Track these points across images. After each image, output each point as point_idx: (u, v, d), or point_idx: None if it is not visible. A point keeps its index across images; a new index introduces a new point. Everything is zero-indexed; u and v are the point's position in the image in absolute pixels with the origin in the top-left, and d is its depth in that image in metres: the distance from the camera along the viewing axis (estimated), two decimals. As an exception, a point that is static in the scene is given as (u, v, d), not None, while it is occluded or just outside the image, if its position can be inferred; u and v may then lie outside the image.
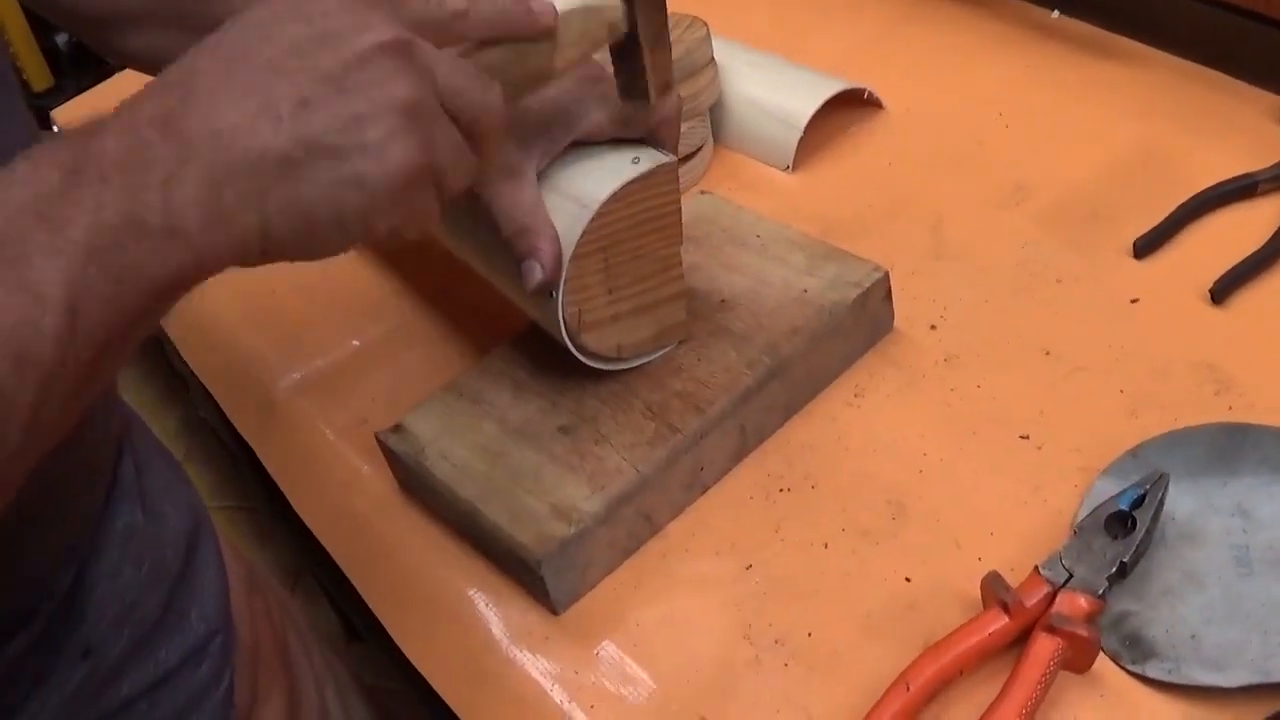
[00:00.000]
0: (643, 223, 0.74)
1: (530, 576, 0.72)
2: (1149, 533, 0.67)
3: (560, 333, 0.74)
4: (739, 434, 0.78)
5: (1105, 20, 1.05)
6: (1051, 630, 0.63)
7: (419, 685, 0.78)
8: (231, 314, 1.03)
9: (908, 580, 0.70)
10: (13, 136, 0.61)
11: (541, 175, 0.72)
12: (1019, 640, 0.64)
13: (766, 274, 0.83)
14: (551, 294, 0.72)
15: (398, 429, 0.80)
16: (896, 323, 0.84)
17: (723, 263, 0.85)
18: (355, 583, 0.84)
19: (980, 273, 0.87)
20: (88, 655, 0.63)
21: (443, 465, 0.77)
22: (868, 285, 0.81)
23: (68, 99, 1.43)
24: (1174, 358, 0.78)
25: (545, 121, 0.72)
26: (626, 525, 0.74)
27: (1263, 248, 0.82)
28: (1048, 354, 0.80)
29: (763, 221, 0.88)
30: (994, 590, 0.66)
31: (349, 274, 1.02)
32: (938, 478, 0.75)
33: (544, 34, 0.64)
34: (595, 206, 0.71)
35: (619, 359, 0.78)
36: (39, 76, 1.98)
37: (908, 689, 0.63)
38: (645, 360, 0.79)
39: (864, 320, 0.82)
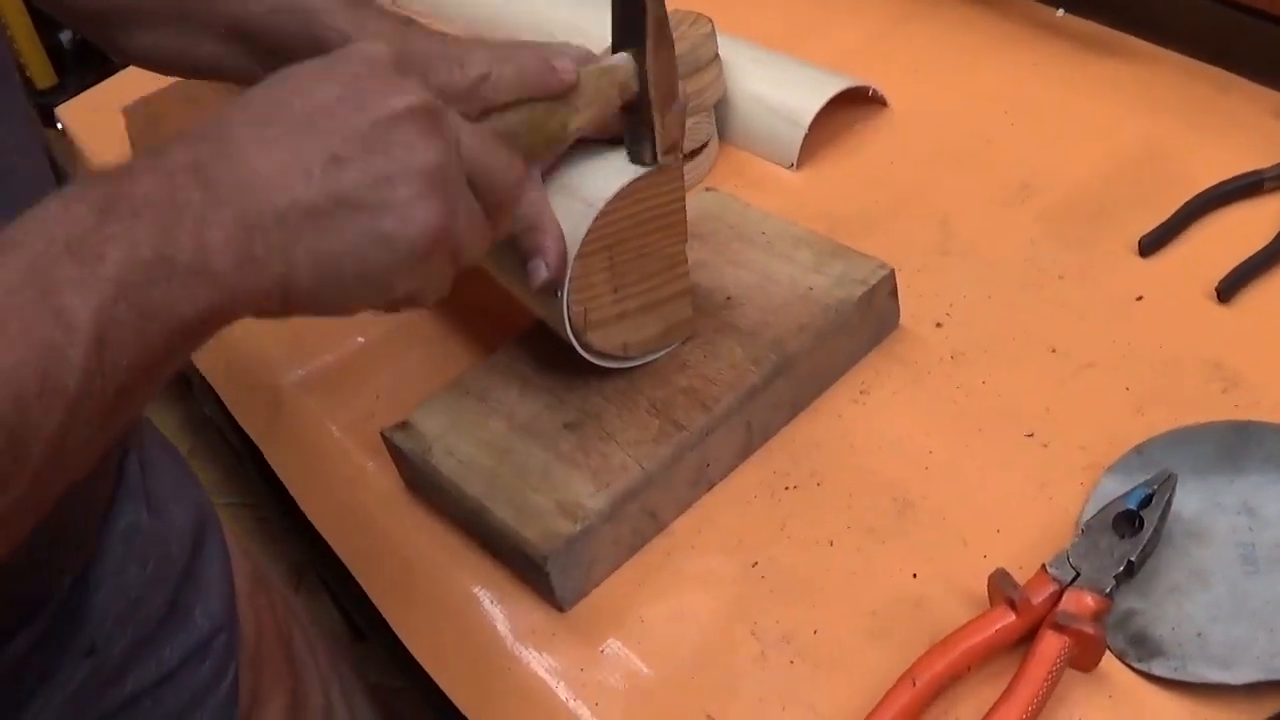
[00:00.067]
0: (647, 220, 0.74)
1: (536, 573, 0.72)
2: (1156, 532, 0.67)
3: (566, 331, 0.74)
4: (745, 431, 0.78)
5: (1110, 18, 1.05)
6: (1058, 628, 0.63)
7: (423, 683, 0.78)
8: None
9: (914, 577, 0.70)
10: (17, 134, 0.61)
11: (546, 174, 0.72)
12: (1025, 638, 0.64)
13: (772, 271, 0.83)
14: (557, 293, 0.72)
15: (403, 426, 0.80)
16: (902, 320, 0.84)
17: (728, 259, 0.85)
18: (360, 580, 0.85)
19: (986, 270, 0.87)
20: (91, 653, 0.63)
21: (448, 462, 0.77)
22: (873, 282, 0.81)
23: (71, 97, 1.43)
24: (1180, 355, 0.78)
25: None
26: (632, 522, 0.74)
27: (1269, 245, 0.82)
28: (1054, 351, 0.80)
29: (769, 218, 0.88)
30: (1001, 588, 0.66)
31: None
32: (944, 475, 0.75)
33: (566, 91, 0.66)
34: (600, 205, 0.71)
35: (625, 357, 0.78)
36: (42, 74, 1.98)
37: (914, 686, 0.63)
38: (652, 358, 0.79)
39: (870, 317, 0.82)
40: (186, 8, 0.73)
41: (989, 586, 0.67)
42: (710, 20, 0.98)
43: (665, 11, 0.71)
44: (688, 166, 0.99)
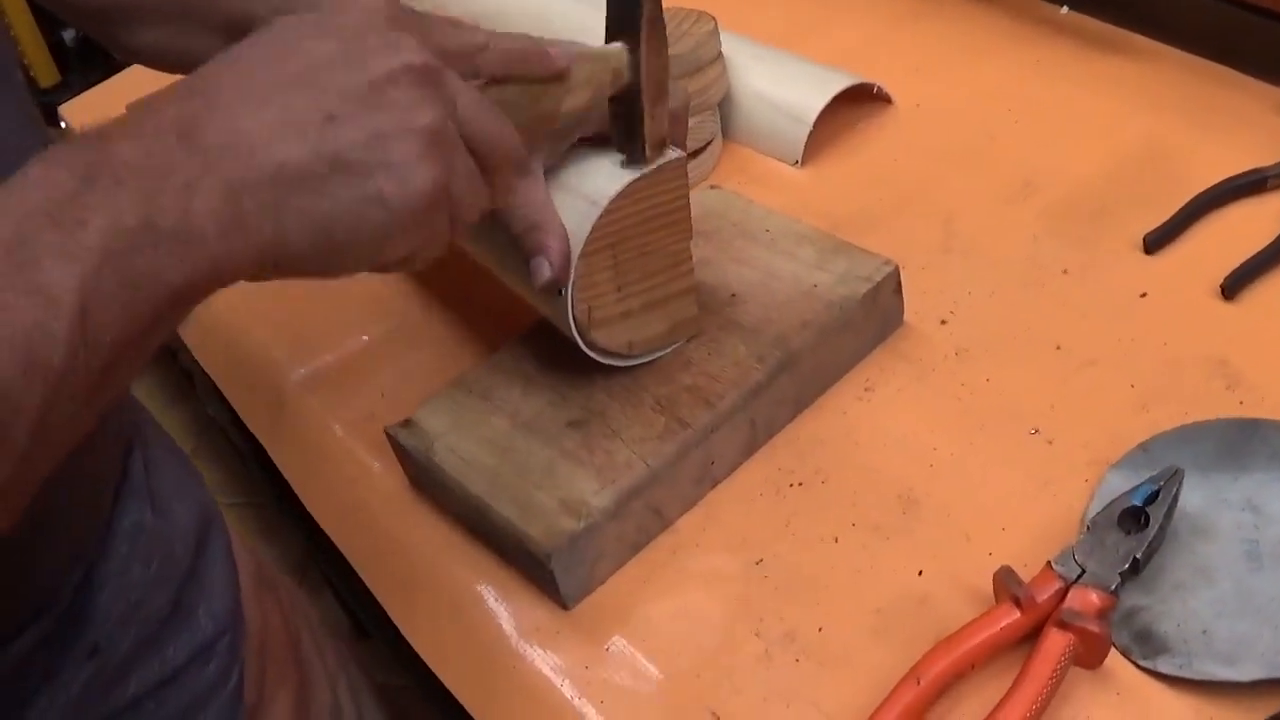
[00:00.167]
0: (652, 218, 0.74)
1: (540, 571, 0.72)
2: (1162, 529, 0.67)
3: (570, 330, 0.74)
4: (749, 428, 0.78)
5: (1114, 16, 1.05)
6: (1063, 626, 0.63)
7: (427, 681, 0.78)
8: (240, 311, 1.03)
9: (919, 574, 0.70)
10: (19, 134, 0.61)
11: (549, 172, 0.72)
12: (1030, 636, 0.64)
13: (776, 268, 0.83)
14: (561, 291, 0.72)
15: (407, 424, 0.80)
16: (906, 317, 0.84)
17: (732, 257, 0.85)
18: (364, 578, 0.84)
19: (990, 267, 0.87)
20: (95, 654, 0.63)
21: (452, 460, 0.77)
22: (878, 280, 0.81)
23: (75, 95, 1.43)
24: (1185, 353, 0.78)
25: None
26: (636, 520, 0.74)
27: (1273, 243, 0.82)
28: (1058, 348, 0.80)
29: (772, 215, 0.88)
30: (1006, 585, 0.66)
31: (357, 269, 1.02)
32: (948, 472, 0.75)
33: (557, 76, 0.65)
34: (604, 203, 0.71)
35: (630, 355, 0.78)
36: (46, 73, 1.98)
37: (918, 683, 0.63)
38: (657, 356, 0.79)
39: (874, 314, 0.82)
40: (188, 6, 0.72)
41: (994, 584, 0.67)
42: (713, 18, 0.98)
43: (660, 8, 0.70)
44: (692, 164, 0.99)
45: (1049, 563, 0.66)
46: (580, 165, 0.73)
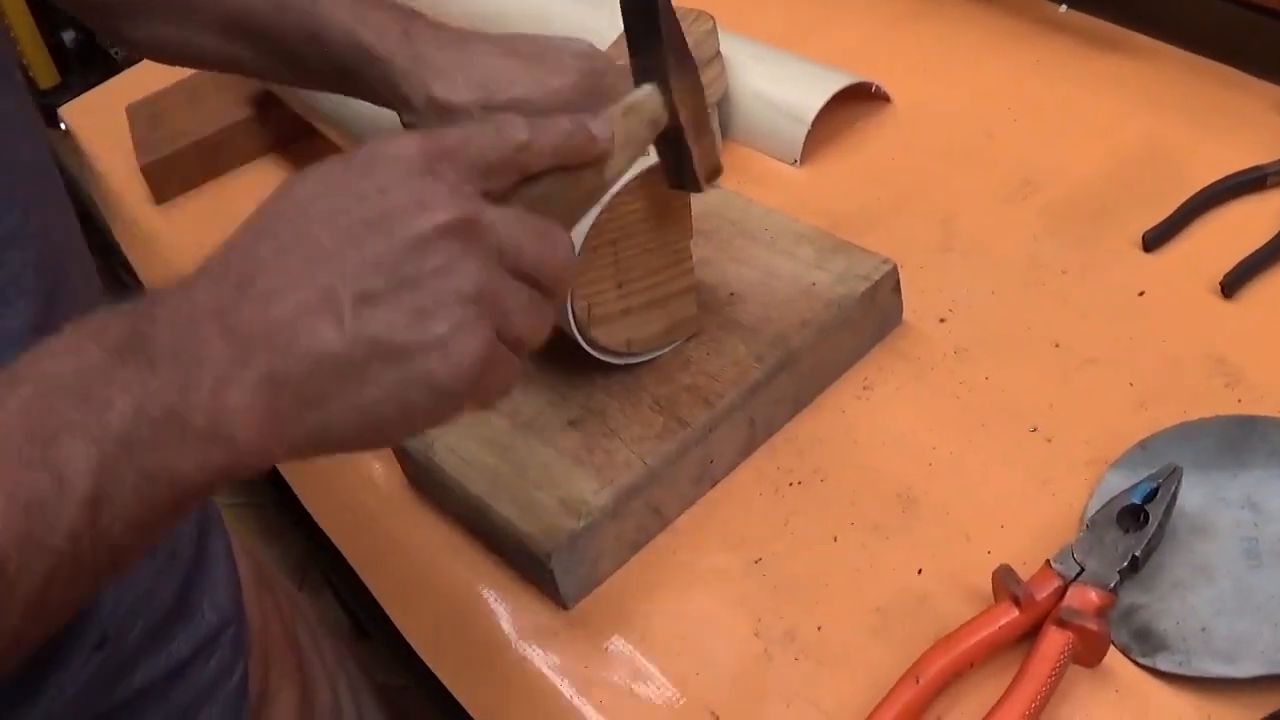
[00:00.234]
0: (653, 215, 0.74)
1: (539, 571, 0.72)
2: (1161, 527, 0.67)
3: (570, 327, 0.74)
4: (748, 427, 0.78)
5: (1113, 14, 1.05)
6: (1062, 624, 0.63)
7: (427, 681, 0.78)
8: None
9: (919, 573, 0.70)
10: (18, 135, 0.61)
11: None
12: (1029, 634, 0.64)
13: (775, 267, 0.83)
14: None
15: (406, 423, 0.80)
16: (905, 316, 0.84)
17: (731, 256, 0.85)
18: (364, 578, 0.85)
19: (989, 266, 0.87)
20: (103, 644, 0.64)
21: (451, 460, 0.77)
22: (876, 278, 0.81)
23: (74, 96, 1.43)
24: (1184, 351, 0.78)
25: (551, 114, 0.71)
26: (635, 519, 0.74)
27: (1272, 240, 0.82)
28: (1057, 347, 0.80)
29: (771, 215, 0.88)
30: (1005, 583, 0.66)
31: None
32: (947, 471, 0.75)
33: (603, 158, 0.61)
34: (606, 199, 0.71)
35: (629, 353, 0.78)
36: (45, 74, 1.98)
37: (917, 682, 0.63)
38: (656, 355, 0.79)
39: (873, 313, 0.82)
40: (190, 2, 0.73)
41: (993, 582, 0.67)
42: (711, 17, 0.98)
43: (684, 38, 0.68)
44: (690, 164, 0.99)
45: (1048, 561, 0.66)
46: None
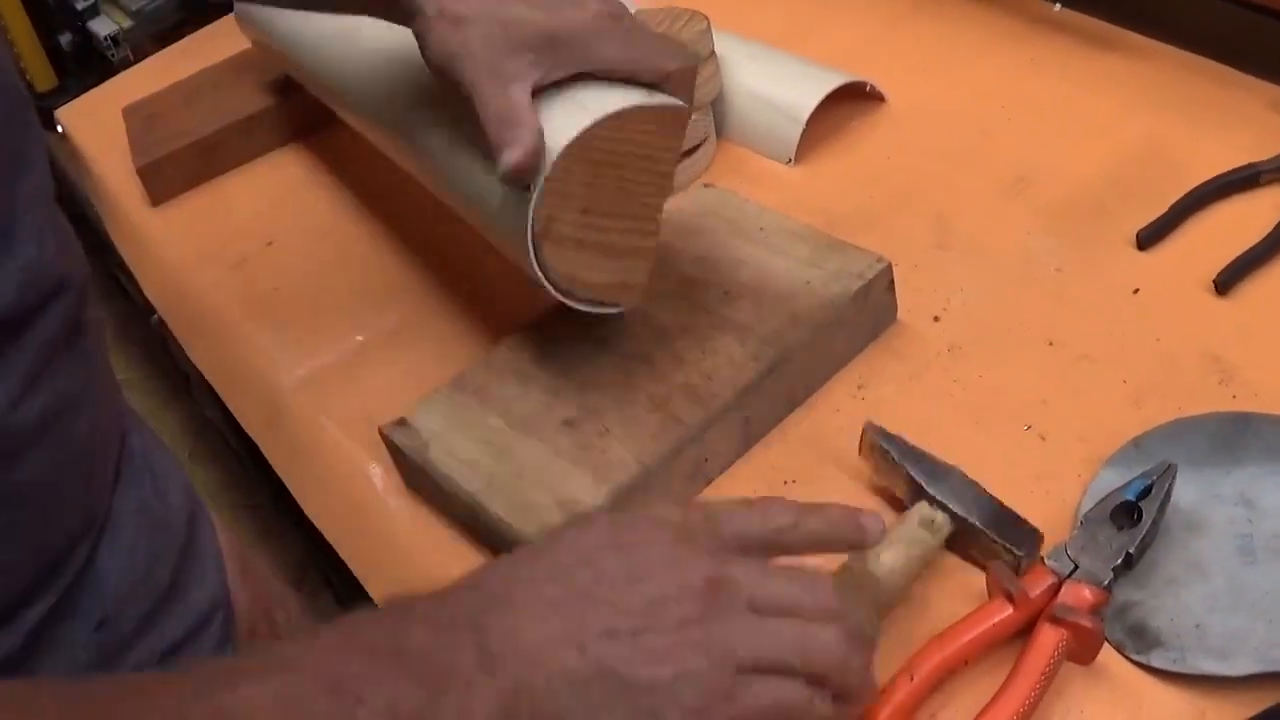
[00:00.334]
0: (639, 158, 0.72)
1: (535, 570, 0.72)
2: (1155, 524, 0.67)
3: (526, 229, 0.71)
4: (743, 426, 0.78)
5: (1107, 13, 1.05)
6: (1056, 621, 0.63)
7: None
8: (235, 312, 1.03)
9: (912, 571, 0.70)
10: (17, 138, 0.61)
11: (544, 90, 0.70)
12: (1024, 631, 0.64)
13: (770, 266, 0.83)
14: (530, 187, 0.70)
15: (402, 424, 0.80)
16: (900, 314, 0.84)
17: (726, 254, 0.85)
18: (360, 578, 0.85)
19: (983, 264, 0.87)
20: (102, 626, 0.64)
21: (447, 460, 0.77)
22: (870, 276, 0.81)
23: (71, 99, 1.43)
24: (1178, 348, 0.78)
25: (556, 43, 0.70)
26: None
27: (1266, 238, 0.82)
28: (1051, 344, 0.80)
29: (766, 213, 0.88)
30: (999, 580, 0.66)
31: (353, 271, 1.02)
32: (950, 463, 0.75)
33: (871, 545, 0.62)
34: (599, 114, 0.69)
35: (568, 291, 0.74)
36: (43, 77, 1.98)
37: (912, 679, 0.63)
38: (588, 309, 0.76)
39: (867, 311, 0.82)
40: None
41: (987, 579, 0.67)
42: (705, 17, 0.98)
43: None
44: (686, 163, 0.99)
45: (1042, 558, 0.66)
46: (579, 87, 0.71)
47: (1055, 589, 0.65)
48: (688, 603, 0.53)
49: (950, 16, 1.12)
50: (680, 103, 0.73)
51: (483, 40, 0.68)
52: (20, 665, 0.60)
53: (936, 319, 0.84)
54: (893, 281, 0.83)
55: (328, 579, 1.51)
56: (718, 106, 1.03)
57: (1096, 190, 0.91)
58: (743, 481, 0.78)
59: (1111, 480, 0.69)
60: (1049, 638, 0.62)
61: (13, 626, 0.60)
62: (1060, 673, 0.63)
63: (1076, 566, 0.65)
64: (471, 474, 0.76)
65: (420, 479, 0.81)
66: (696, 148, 1.00)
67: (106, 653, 0.65)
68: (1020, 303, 0.84)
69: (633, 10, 0.83)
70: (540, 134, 0.68)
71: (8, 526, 0.58)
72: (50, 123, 1.38)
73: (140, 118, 1.23)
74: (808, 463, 0.77)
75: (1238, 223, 0.84)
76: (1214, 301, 0.81)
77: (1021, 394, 0.78)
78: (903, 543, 0.68)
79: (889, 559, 0.67)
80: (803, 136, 0.99)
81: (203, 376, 1.08)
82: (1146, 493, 0.67)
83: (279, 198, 1.14)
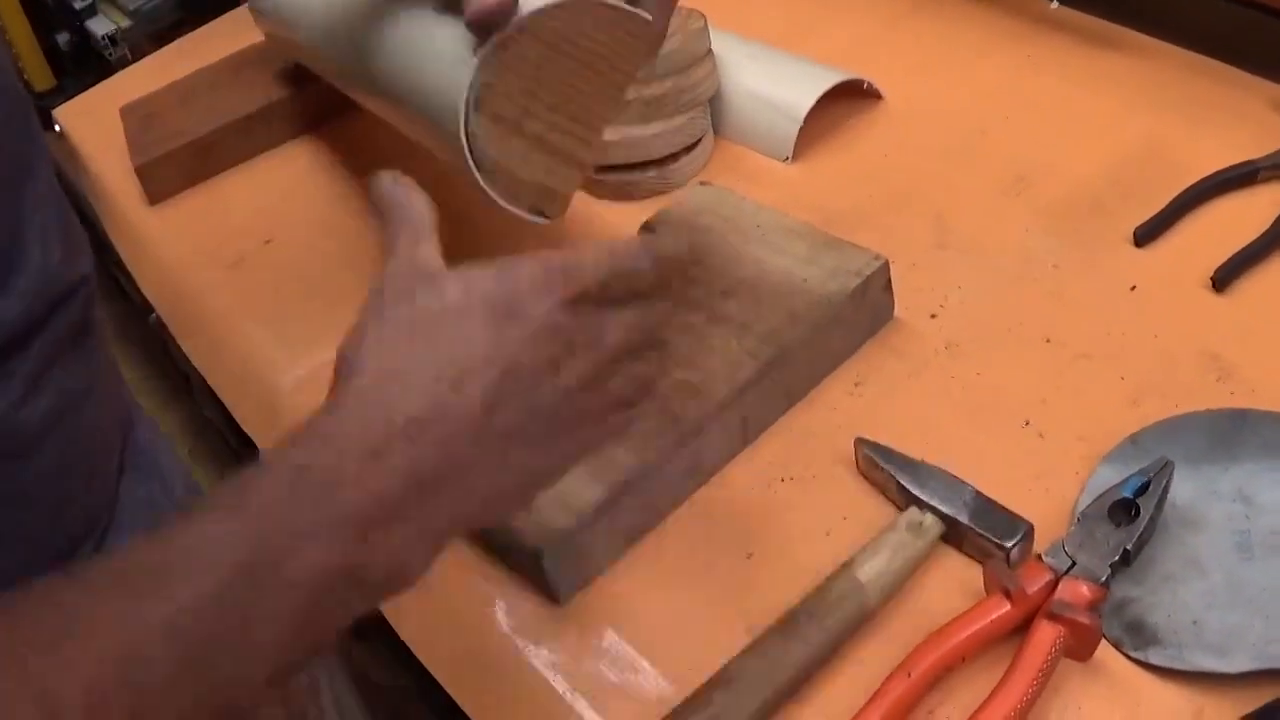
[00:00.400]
0: (595, 58, 0.70)
1: (532, 566, 0.72)
2: (1153, 520, 0.67)
3: (463, 92, 0.68)
4: (740, 423, 0.78)
5: (1105, 11, 1.05)
6: (1053, 618, 0.63)
7: (421, 679, 0.78)
8: (235, 312, 1.03)
9: (910, 568, 0.70)
10: (16, 139, 0.61)
11: None
12: (1021, 628, 0.64)
13: (767, 263, 0.83)
14: (475, 52, 0.67)
15: (399, 421, 0.80)
16: (897, 312, 0.84)
17: (723, 252, 0.85)
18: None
19: (981, 262, 0.87)
20: None
21: (444, 457, 0.77)
22: (868, 274, 0.81)
23: (69, 98, 1.43)
24: (1176, 345, 0.78)
25: None
26: (628, 515, 0.74)
27: (1263, 235, 0.82)
28: (1049, 342, 0.80)
29: (763, 211, 0.88)
30: (996, 577, 0.66)
31: (352, 269, 1.02)
32: (939, 466, 0.75)
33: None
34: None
35: (490, 177, 0.71)
36: (40, 76, 1.98)
37: (909, 676, 0.63)
38: (502, 207, 0.72)
39: (864, 309, 0.82)
40: None
41: (984, 576, 0.67)
42: (703, 15, 0.98)
43: None
44: (684, 160, 0.99)
45: (1039, 554, 0.66)
46: None
47: (1053, 585, 0.65)
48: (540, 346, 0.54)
49: (949, 15, 1.12)
50: (648, 16, 0.71)
51: None
52: None
53: (934, 316, 0.84)
54: (890, 279, 0.83)
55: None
56: (715, 104, 1.03)
57: (1095, 188, 0.91)
58: (740, 478, 0.78)
59: (1109, 477, 0.69)
60: (1046, 634, 0.62)
61: None
62: (1058, 669, 0.63)
63: (1074, 563, 0.65)
64: (469, 471, 0.76)
65: (417, 477, 0.81)
66: (694, 145, 1.00)
67: None
68: (1018, 300, 0.84)
69: None
70: None
71: (15, 526, 0.58)
72: (48, 122, 1.38)
73: (138, 117, 1.22)
74: (805, 459, 0.77)
75: (1235, 220, 0.84)
76: (1211, 298, 0.81)
77: (1019, 391, 0.78)
78: (889, 548, 0.69)
79: (876, 565, 0.68)
80: (800, 134, 0.99)
81: (202, 376, 1.08)
82: (1144, 489, 0.67)
83: (277, 196, 1.13)
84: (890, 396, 0.80)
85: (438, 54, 0.70)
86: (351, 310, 0.98)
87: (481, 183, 0.70)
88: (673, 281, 0.60)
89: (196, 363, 1.08)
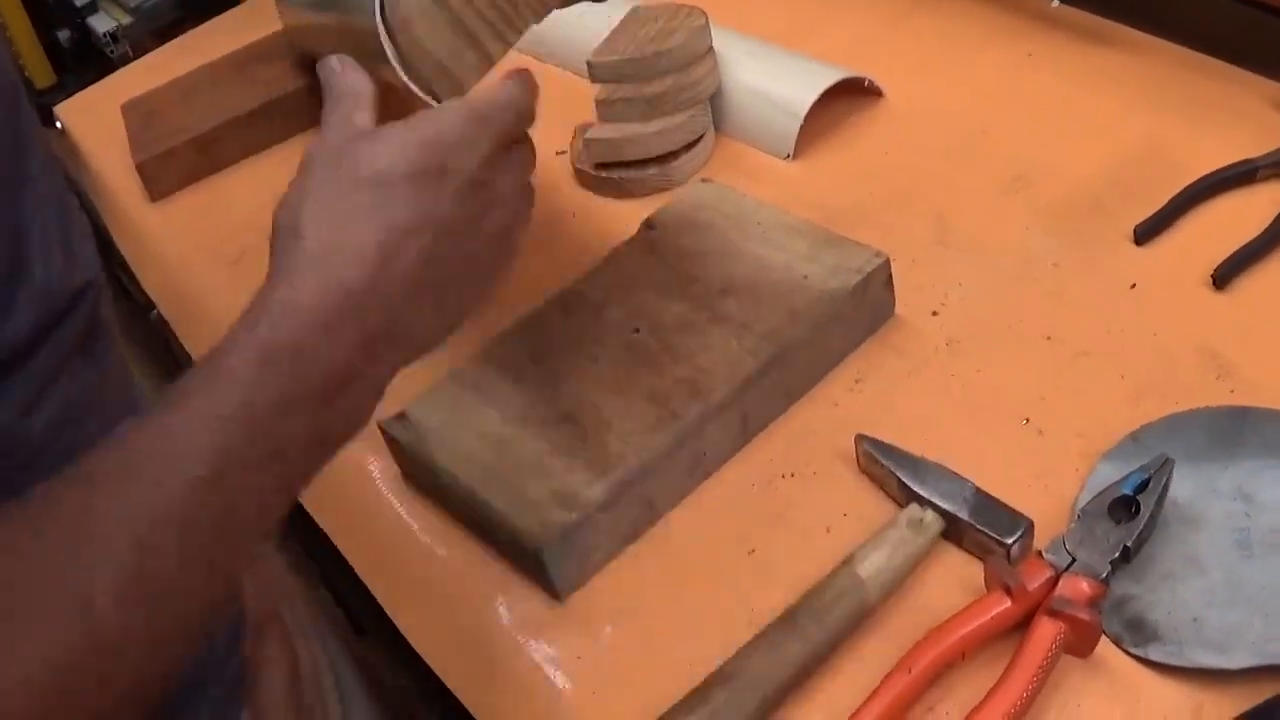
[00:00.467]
0: None
1: (533, 563, 0.73)
2: (1153, 517, 0.67)
3: None
4: (741, 420, 0.78)
5: (1105, 9, 1.05)
6: (1054, 614, 0.63)
7: (422, 676, 0.78)
8: (237, 309, 1.02)
9: (910, 565, 0.70)
10: (16, 138, 0.61)
11: None
12: (1021, 624, 0.64)
13: (768, 260, 0.83)
14: None
15: (401, 417, 0.80)
16: (898, 309, 0.84)
17: (724, 249, 0.85)
18: (359, 571, 0.85)
19: (981, 260, 0.87)
20: None
21: (445, 453, 0.77)
22: (868, 271, 0.81)
23: (69, 95, 1.43)
24: (1176, 343, 0.78)
25: None
26: (629, 511, 0.74)
27: (1263, 233, 0.82)
28: (1049, 339, 0.80)
29: (764, 208, 0.88)
30: (997, 574, 0.66)
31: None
32: (939, 462, 0.75)
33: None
34: None
35: (395, 36, 0.70)
36: (41, 74, 1.98)
37: (909, 672, 0.63)
38: (401, 73, 0.71)
39: (865, 306, 0.82)
40: None
41: (985, 572, 0.67)
42: (704, 13, 0.99)
43: None
44: (685, 158, 0.99)
45: (1039, 551, 0.66)
46: None
47: (1053, 582, 0.65)
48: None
49: (949, 13, 1.12)
50: None
51: None
52: None
53: (934, 314, 0.84)
54: (891, 277, 0.83)
55: (324, 575, 1.50)
56: (716, 102, 1.03)
57: (1094, 187, 0.91)
58: (741, 475, 0.78)
59: (1109, 474, 0.70)
60: (1047, 631, 0.63)
61: None
62: (1058, 665, 0.63)
63: (1074, 560, 0.66)
64: (470, 467, 0.76)
65: (418, 472, 0.81)
66: (695, 142, 1.00)
67: None
68: (1018, 298, 0.84)
69: (632, 6, 0.83)
70: None
71: None
72: (49, 119, 1.38)
73: (139, 114, 1.23)
74: (805, 457, 0.78)
75: (1235, 218, 0.85)
76: (1211, 296, 0.81)
77: (1019, 389, 0.78)
78: (889, 545, 0.69)
79: (876, 561, 0.68)
80: (801, 132, 0.99)
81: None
82: (1144, 487, 0.67)
83: (278, 193, 1.12)
84: (891, 394, 0.80)
85: None
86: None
87: (382, 32, 0.70)
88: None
89: (197, 359, 1.08)
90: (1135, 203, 0.87)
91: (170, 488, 0.48)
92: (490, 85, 0.64)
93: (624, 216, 0.95)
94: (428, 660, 0.77)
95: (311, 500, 0.91)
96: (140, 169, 1.16)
